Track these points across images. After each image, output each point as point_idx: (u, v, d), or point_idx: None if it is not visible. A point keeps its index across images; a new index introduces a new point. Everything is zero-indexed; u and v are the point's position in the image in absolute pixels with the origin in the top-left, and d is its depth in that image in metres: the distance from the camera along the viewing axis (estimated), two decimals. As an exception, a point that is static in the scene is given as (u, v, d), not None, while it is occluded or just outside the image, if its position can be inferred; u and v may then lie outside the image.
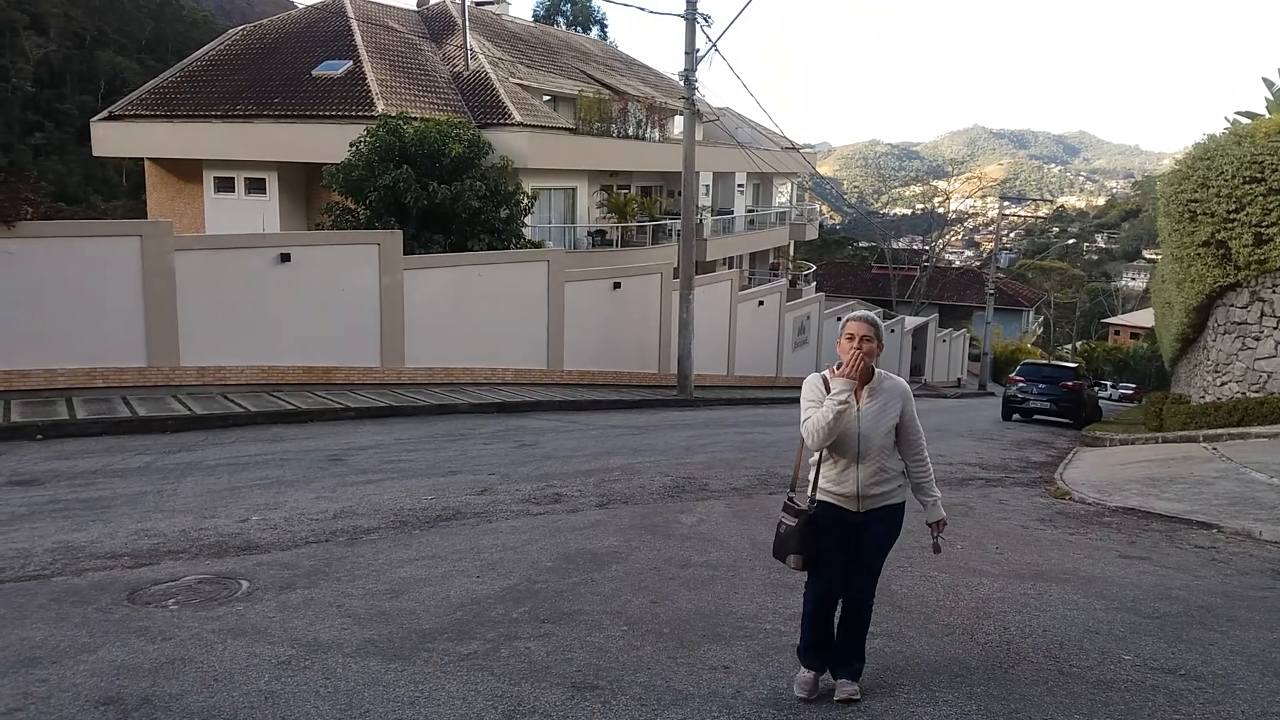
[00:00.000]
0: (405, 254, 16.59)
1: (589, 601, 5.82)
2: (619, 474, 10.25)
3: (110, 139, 23.83)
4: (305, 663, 4.73)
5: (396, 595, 5.82)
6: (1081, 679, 4.81)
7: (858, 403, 4.23)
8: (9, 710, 4.13)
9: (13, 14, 64.41)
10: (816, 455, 4.35)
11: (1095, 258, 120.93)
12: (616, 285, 20.82)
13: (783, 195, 42.97)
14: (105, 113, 24.17)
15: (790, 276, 38.36)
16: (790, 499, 4.41)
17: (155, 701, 4.25)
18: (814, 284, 42.04)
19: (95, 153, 25.09)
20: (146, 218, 23.61)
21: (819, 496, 4.35)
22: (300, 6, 29.47)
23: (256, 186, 22.83)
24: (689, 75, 19.19)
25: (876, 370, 4.30)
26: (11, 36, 64.17)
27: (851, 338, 4.20)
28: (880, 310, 36.85)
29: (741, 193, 36.77)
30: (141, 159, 25.21)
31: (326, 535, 7.17)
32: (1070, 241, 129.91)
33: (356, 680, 4.55)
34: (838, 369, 4.23)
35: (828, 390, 4.23)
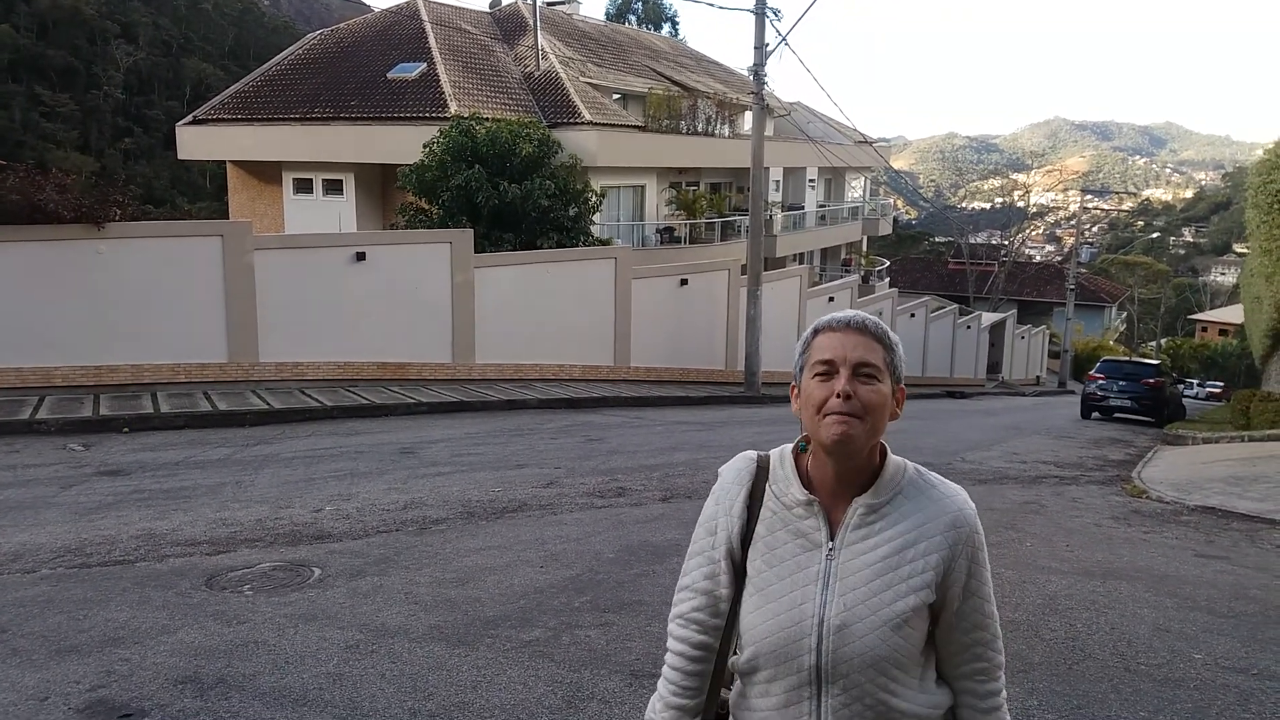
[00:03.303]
0: (476, 252, 16.84)
1: (650, 592, 5.87)
2: (683, 469, 10.29)
3: (194, 143, 24.63)
4: (373, 647, 4.87)
5: (462, 583, 5.95)
6: (1149, 676, 4.72)
7: (831, 539, 1.84)
8: (94, 686, 4.33)
9: (105, 23, 66.94)
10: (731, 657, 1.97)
11: (1182, 252, 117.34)
12: (684, 282, 20.84)
13: (856, 190, 42.52)
14: (189, 117, 24.99)
15: (863, 272, 37.95)
16: None
17: (230, 681, 4.42)
18: (887, 280, 41.52)
19: (180, 156, 25.96)
20: (229, 219, 24.36)
21: None
22: (376, 10, 30.08)
23: (334, 187, 23.38)
24: (758, 70, 19.13)
25: (892, 457, 1.89)
26: (103, 45, 66.67)
27: (829, 369, 1.82)
28: (955, 307, 36.17)
29: (813, 188, 36.49)
30: (224, 162, 26.00)
31: (396, 525, 7.35)
32: (1155, 236, 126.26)
33: (422, 664, 4.67)
34: (804, 449, 1.93)
35: (752, 500, 1.92)
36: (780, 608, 1.83)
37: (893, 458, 1.89)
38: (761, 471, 1.95)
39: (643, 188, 26.07)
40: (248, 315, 14.36)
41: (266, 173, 24.33)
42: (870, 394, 1.80)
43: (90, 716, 4.05)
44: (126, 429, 11.09)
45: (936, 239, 72.74)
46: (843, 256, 39.74)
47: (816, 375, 1.84)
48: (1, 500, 7.74)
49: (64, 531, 6.86)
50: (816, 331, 1.90)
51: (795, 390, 1.92)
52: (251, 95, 24.70)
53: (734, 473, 1.97)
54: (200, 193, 61.14)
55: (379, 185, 23.65)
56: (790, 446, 1.97)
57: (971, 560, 1.86)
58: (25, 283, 12.86)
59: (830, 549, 1.84)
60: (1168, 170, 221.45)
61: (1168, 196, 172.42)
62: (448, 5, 28.20)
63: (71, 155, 55.15)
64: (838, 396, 1.78)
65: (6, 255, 12.77)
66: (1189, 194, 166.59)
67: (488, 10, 30.08)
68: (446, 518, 7.64)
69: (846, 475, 1.86)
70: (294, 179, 23.83)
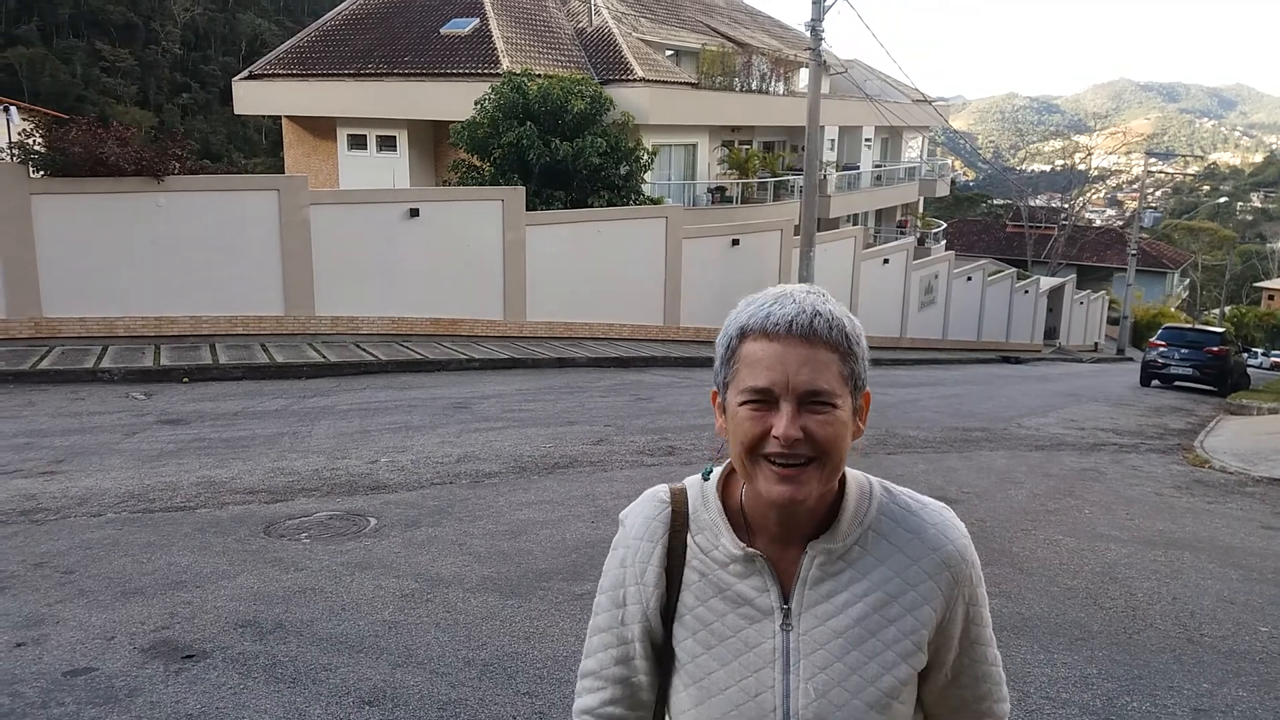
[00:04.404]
0: (527, 210, 16.83)
1: (701, 550, 5.85)
2: (735, 429, 10.23)
3: (250, 98, 24.82)
4: (427, 596, 4.92)
5: (515, 536, 5.98)
6: (1212, 648, 4.62)
7: (784, 601, 1.39)
8: (158, 627, 4.43)
9: (163, -21, 67.46)
10: None
11: (1250, 218, 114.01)
12: (735, 242, 20.65)
13: (913, 150, 41.69)
14: (245, 72, 25.15)
15: (918, 234, 37.32)
16: None
17: (288, 626, 4.49)
18: (944, 242, 40.77)
19: (236, 111, 26.18)
20: (284, 173, 24.57)
21: None
22: (430, -35, 29.88)
23: (387, 143, 23.44)
24: (815, 25, 18.75)
25: (853, 479, 1.44)
26: (161, 1, 67.27)
27: (764, 398, 1.32)
28: (1013, 270, 35.41)
29: (869, 147, 35.86)
30: (279, 117, 26.18)
31: (450, 478, 7.41)
32: (1222, 201, 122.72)
33: (475, 614, 4.71)
34: (707, 475, 1.53)
35: (670, 559, 1.45)
36: (728, 702, 1.38)
37: (854, 479, 1.43)
38: (679, 517, 1.47)
39: (695, 146, 25.78)
40: (304, 269, 14.52)
41: (321, 128, 24.46)
42: (824, 428, 1.31)
43: (154, 656, 4.14)
44: (186, 379, 11.30)
45: (995, 201, 71.33)
46: (898, 218, 39.09)
47: (747, 404, 1.33)
48: (68, 446, 7.94)
49: (128, 477, 7.02)
50: (744, 334, 1.37)
51: (717, 399, 1.43)
52: (306, 51, 24.78)
53: (641, 523, 1.49)
54: (256, 148, 61.75)
55: (431, 142, 23.67)
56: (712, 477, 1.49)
57: (970, 603, 1.41)
58: (88, 234, 13.11)
59: (785, 616, 1.38)
60: (1236, 133, 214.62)
61: (1236, 160, 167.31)
62: (502, -41, 27.94)
63: (131, 110, 55.93)
64: (776, 438, 1.30)
65: (70, 206, 13.01)
66: (1258, 158, 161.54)
67: (542, -35, 29.72)
68: (499, 471, 7.69)
69: (796, 516, 1.37)
70: (348, 135, 23.93)
